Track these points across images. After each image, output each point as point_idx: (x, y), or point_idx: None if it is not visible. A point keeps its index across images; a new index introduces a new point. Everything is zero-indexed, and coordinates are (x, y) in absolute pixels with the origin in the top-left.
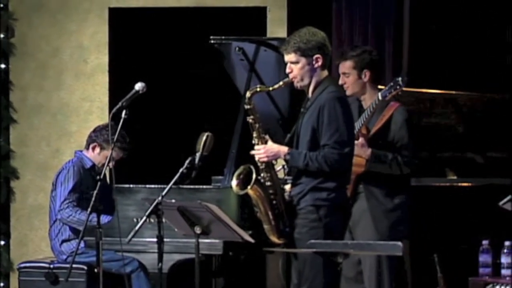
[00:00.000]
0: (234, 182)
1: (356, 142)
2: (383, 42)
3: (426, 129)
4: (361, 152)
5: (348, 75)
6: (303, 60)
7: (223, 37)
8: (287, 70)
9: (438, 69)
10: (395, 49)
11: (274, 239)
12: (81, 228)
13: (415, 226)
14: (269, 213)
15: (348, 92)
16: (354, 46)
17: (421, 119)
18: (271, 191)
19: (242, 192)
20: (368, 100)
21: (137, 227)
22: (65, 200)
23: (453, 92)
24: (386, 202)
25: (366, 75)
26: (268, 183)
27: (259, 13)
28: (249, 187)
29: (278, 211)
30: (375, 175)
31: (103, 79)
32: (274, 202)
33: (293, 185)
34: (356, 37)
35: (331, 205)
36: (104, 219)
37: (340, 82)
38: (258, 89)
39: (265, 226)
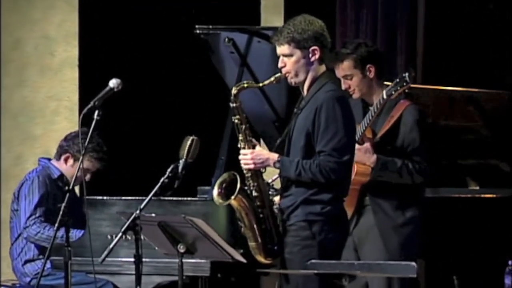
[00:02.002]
0: (215, 191)
1: (360, 147)
2: (395, 33)
3: (444, 132)
4: (366, 158)
5: (351, 76)
6: (298, 53)
7: (210, 26)
8: (280, 64)
9: (458, 64)
10: (408, 41)
11: (260, 258)
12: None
13: (430, 243)
14: (255, 228)
15: (355, 96)
16: (344, 42)
17: (438, 121)
18: (258, 203)
19: (224, 203)
20: (376, 99)
21: (111, 245)
22: (31, 215)
23: (475, 90)
24: (396, 216)
25: (371, 71)
26: (254, 194)
27: None
28: (232, 197)
29: (265, 226)
30: (382, 185)
31: (72, 75)
32: (261, 215)
33: (282, 196)
34: (363, 27)
35: (326, 220)
36: (75, 234)
37: (344, 87)
38: (245, 85)
39: (251, 243)
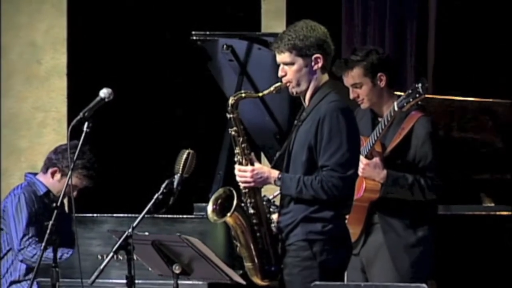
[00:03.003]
0: (210, 208)
1: (368, 162)
2: (404, 40)
3: (456, 145)
4: (375, 174)
5: (360, 85)
6: (299, 61)
7: (207, 32)
8: (280, 73)
9: (471, 72)
10: (418, 48)
11: (257, 280)
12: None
13: (442, 263)
14: (252, 247)
15: (364, 105)
16: (354, 49)
17: (450, 133)
18: (255, 221)
19: (219, 221)
20: (386, 111)
21: (102, 266)
22: (24, 236)
23: (490, 100)
24: (407, 236)
25: (382, 80)
26: (251, 211)
27: (252, 3)
28: (228, 214)
29: (262, 245)
30: (392, 202)
31: (61, 84)
32: (258, 234)
33: (281, 214)
34: (370, 32)
35: (328, 239)
36: (63, 254)
37: (352, 96)
38: (243, 95)
39: (247, 264)
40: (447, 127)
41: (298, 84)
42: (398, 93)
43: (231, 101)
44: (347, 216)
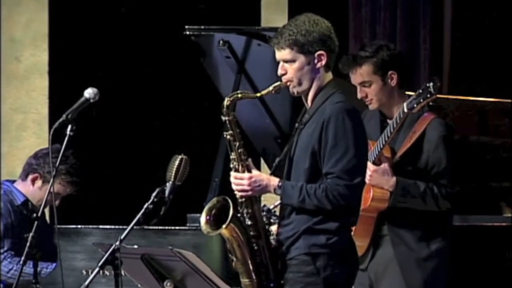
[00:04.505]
0: (203, 219)
1: (376, 168)
2: (417, 36)
3: (473, 150)
4: (384, 182)
5: (369, 83)
6: (301, 58)
7: (202, 27)
8: (280, 71)
9: (492, 70)
10: (433, 45)
11: None
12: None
13: (458, 279)
14: (249, 262)
15: (373, 106)
16: (363, 44)
17: (467, 137)
18: (252, 233)
19: (213, 233)
20: (397, 112)
21: (87, 282)
22: None
23: (510, 100)
24: (419, 249)
25: (393, 78)
26: (248, 222)
27: None
28: (223, 226)
29: (260, 260)
30: (403, 212)
31: (42, 83)
32: (255, 247)
33: (281, 225)
34: (380, 28)
35: (332, 253)
36: (42, 269)
37: (360, 95)
38: (239, 95)
39: (243, 280)
40: (463, 130)
41: (299, 83)
42: (410, 93)
43: (226, 102)
44: (353, 228)
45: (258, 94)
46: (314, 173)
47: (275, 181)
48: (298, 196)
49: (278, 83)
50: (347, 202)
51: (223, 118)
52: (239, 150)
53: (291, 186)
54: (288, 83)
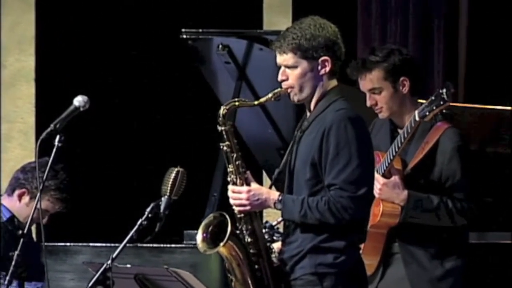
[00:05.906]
0: (199, 236)
1: (386, 181)
2: (431, 41)
3: (490, 161)
4: (394, 195)
5: (379, 90)
6: (303, 64)
7: (200, 30)
8: (280, 77)
9: (509, 78)
10: (447, 51)
11: None
12: None
13: None
14: (249, 282)
15: (383, 115)
16: (372, 48)
17: (483, 148)
18: (252, 251)
19: (210, 251)
20: (408, 122)
21: None
22: None
23: None
24: (432, 268)
25: (405, 85)
26: (248, 239)
27: None
28: (221, 244)
29: (262, 280)
30: (415, 228)
31: (28, 91)
32: (256, 266)
33: (285, 243)
34: (391, 32)
35: (340, 272)
36: None
37: (369, 103)
38: (237, 103)
39: None
40: (480, 140)
41: (300, 90)
42: (422, 101)
43: (222, 111)
44: (361, 245)
45: (257, 102)
46: (316, 185)
47: (275, 195)
48: (299, 211)
49: (278, 89)
50: (352, 215)
51: (219, 128)
52: (237, 162)
53: (292, 200)
54: (289, 90)
